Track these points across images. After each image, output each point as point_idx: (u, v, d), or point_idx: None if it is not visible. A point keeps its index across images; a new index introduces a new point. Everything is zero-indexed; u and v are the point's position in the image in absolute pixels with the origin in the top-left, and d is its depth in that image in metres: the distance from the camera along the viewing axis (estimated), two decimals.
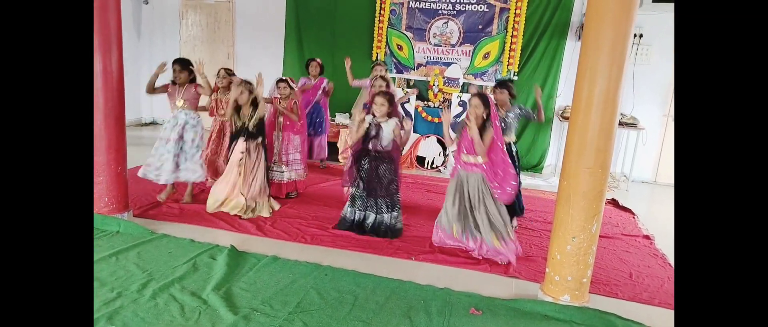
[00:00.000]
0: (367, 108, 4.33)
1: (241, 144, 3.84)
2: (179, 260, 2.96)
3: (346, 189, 3.74)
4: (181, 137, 3.85)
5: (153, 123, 8.13)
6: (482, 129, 3.18)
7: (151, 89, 3.85)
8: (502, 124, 3.67)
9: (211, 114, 4.47)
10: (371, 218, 3.60)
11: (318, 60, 5.42)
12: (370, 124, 3.53)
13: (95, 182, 3.42)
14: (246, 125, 3.81)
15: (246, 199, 3.81)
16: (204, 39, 7.61)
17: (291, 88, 4.20)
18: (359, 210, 3.63)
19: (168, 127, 3.88)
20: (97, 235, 3.22)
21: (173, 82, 3.89)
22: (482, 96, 3.20)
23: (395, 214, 3.64)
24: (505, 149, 3.22)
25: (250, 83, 3.80)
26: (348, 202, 3.69)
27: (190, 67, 3.88)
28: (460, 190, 3.30)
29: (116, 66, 3.33)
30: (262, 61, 6.98)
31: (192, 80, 3.91)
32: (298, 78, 5.60)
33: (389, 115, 3.52)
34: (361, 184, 3.59)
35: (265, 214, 3.85)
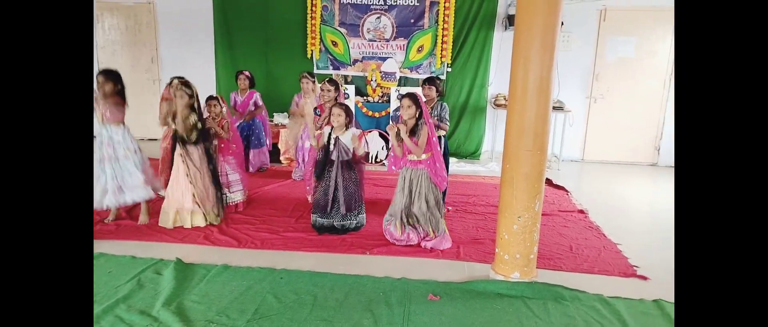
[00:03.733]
0: (317, 114, 4.30)
1: (179, 151, 3.64)
2: (121, 279, 2.79)
3: (310, 197, 3.71)
4: (125, 156, 3.60)
5: None
6: (415, 128, 3.27)
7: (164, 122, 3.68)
8: (437, 120, 3.81)
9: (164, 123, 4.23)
10: (337, 222, 3.59)
11: (247, 72, 5.29)
12: (328, 136, 3.52)
13: None
14: (180, 133, 3.61)
15: (201, 207, 3.66)
16: (124, 43, 7.14)
17: (222, 106, 4.02)
18: (325, 218, 3.59)
19: (97, 147, 3.59)
20: None
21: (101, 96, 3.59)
22: (412, 96, 3.28)
23: (361, 217, 3.69)
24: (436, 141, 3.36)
25: (189, 87, 3.58)
26: (313, 211, 3.65)
27: (118, 77, 3.62)
28: (407, 186, 3.37)
29: None
30: (192, 64, 6.68)
31: (118, 93, 3.62)
32: (232, 82, 5.42)
33: (346, 126, 3.53)
34: (325, 194, 3.56)
35: (214, 221, 3.72)
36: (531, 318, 2.50)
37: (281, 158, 5.88)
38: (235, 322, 2.37)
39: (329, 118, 3.61)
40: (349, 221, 3.59)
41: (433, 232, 3.36)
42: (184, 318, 2.38)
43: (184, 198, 3.63)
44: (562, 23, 6.07)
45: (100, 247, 3.24)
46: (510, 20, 6.19)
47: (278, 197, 4.55)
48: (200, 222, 3.67)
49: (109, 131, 3.59)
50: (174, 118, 3.61)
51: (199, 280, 2.81)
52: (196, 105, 3.61)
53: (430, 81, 4.03)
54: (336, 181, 3.53)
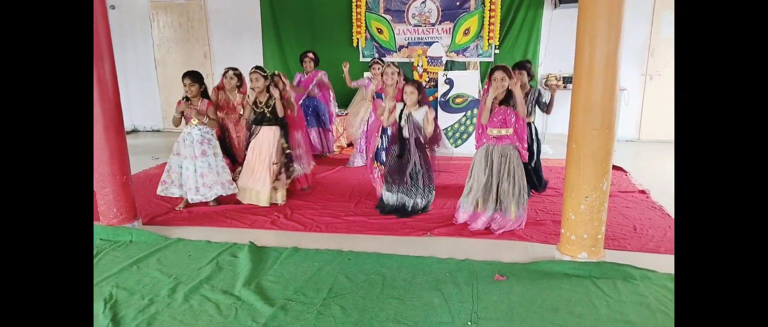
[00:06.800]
0: (378, 97, 4.40)
1: (264, 131, 3.95)
2: (201, 261, 2.98)
3: (375, 173, 3.87)
4: (203, 153, 3.84)
5: (134, 131, 7.96)
6: (507, 100, 3.20)
7: (178, 123, 3.87)
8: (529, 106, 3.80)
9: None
10: (408, 203, 3.67)
11: (311, 54, 5.49)
12: (401, 112, 3.57)
13: (102, 194, 3.38)
14: (263, 111, 3.93)
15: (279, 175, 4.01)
16: (178, 40, 7.46)
17: (283, 82, 4.19)
18: (397, 194, 3.68)
19: (183, 144, 3.85)
20: (112, 247, 3.20)
21: (186, 98, 3.84)
22: (506, 68, 3.21)
23: (431, 196, 3.74)
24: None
25: (263, 69, 3.96)
26: (385, 187, 3.74)
27: (202, 79, 3.91)
28: (490, 163, 3.29)
29: (110, 75, 3.26)
30: (241, 58, 6.88)
31: (204, 94, 3.90)
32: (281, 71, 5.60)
33: (419, 103, 3.56)
34: (396, 171, 3.63)
35: (280, 201, 4.02)
36: (601, 297, 2.50)
37: (334, 146, 6.01)
38: (312, 300, 2.49)
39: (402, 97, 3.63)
40: (420, 198, 3.65)
41: (515, 211, 3.30)
42: (264, 297, 2.53)
43: (253, 177, 3.94)
44: None
45: (176, 232, 3.46)
46: None
47: (335, 183, 4.68)
48: (266, 202, 3.93)
49: (201, 131, 3.86)
50: (255, 103, 3.95)
51: (273, 262, 2.96)
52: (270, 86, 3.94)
53: (520, 66, 3.91)
54: (412, 157, 3.57)
